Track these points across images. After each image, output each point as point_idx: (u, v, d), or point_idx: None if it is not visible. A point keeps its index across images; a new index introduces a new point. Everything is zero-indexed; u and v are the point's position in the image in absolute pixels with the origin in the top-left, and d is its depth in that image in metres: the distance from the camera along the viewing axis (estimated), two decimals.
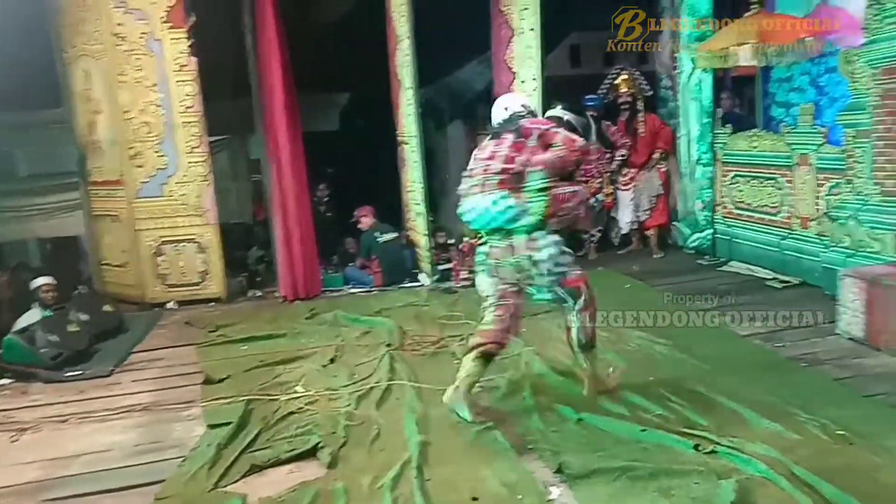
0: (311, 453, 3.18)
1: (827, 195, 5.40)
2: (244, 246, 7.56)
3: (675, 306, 5.24)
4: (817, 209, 5.52)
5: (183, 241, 6.21)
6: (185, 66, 5.94)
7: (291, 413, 3.66)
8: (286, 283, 6.22)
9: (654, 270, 6.45)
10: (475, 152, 3.53)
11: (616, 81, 7.06)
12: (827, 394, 3.49)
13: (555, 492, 2.74)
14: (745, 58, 5.68)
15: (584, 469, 2.83)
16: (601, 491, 2.70)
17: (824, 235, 5.39)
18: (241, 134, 8.18)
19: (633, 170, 7.12)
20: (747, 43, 5.55)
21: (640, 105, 6.97)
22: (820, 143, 5.45)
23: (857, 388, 3.56)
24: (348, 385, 3.99)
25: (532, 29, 6.23)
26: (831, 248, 5.27)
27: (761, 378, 3.72)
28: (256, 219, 8.15)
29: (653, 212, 7.16)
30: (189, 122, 6.04)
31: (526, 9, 6.27)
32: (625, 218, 7.21)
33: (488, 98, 7.18)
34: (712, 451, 2.89)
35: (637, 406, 3.44)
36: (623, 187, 7.16)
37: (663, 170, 7.14)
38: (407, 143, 6.59)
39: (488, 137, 3.52)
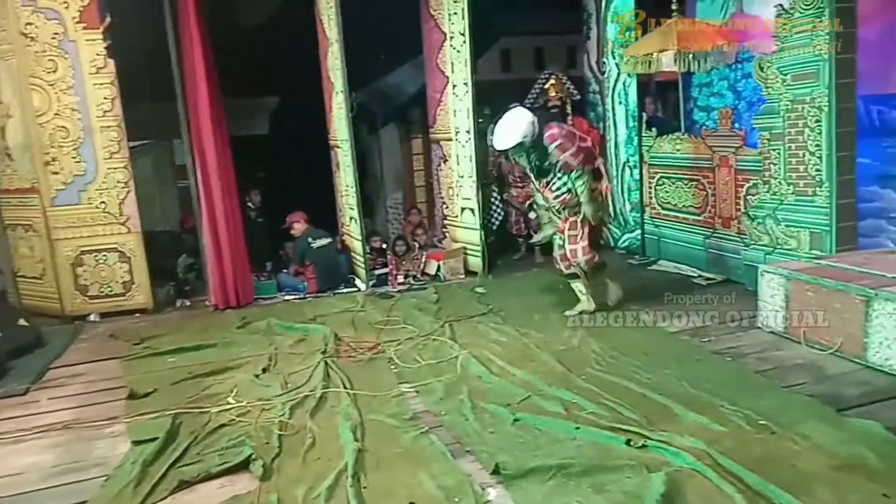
0: (243, 466, 3.08)
1: (746, 195, 5.64)
2: (172, 254, 7.27)
3: (608, 305, 5.36)
4: (737, 209, 5.76)
5: (104, 250, 5.94)
6: (103, 68, 5.69)
7: (222, 425, 3.54)
8: (217, 292, 6.04)
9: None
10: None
11: (546, 86, 7.18)
12: (750, 386, 3.64)
13: (491, 493, 2.75)
14: (667, 63, 5.88)
15: (520, 469, 2.85)
16: (537, 490, 2.73)
17: (744, 234, 5.64)
18: (165, 138, 7.89)
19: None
20: (668, 49, 5.75)
21: (569, 109, 7.11)
22: (738, 145, 5.69)
23: (778, 379, 3.73)
24: (282, 394, 3.89)
25: (462, 33, 6.27)
26: (752, 246, 5.52)
27: (689, 372, 3.84)
28: (184, 226, 7.85)
29: None
30: (108, 127, 5.78)
31: (455, 13, 6.31)
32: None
33: (421, 101, 7.23)
34: (643, 446, 2.97)
35: (572, 404, 3.50)
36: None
37: None
38: (339, 147, 6.52)
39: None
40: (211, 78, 5.80)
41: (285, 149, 7.59)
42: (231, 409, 3.73)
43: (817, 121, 4.77)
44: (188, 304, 6.35)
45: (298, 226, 6.63)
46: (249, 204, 7.25)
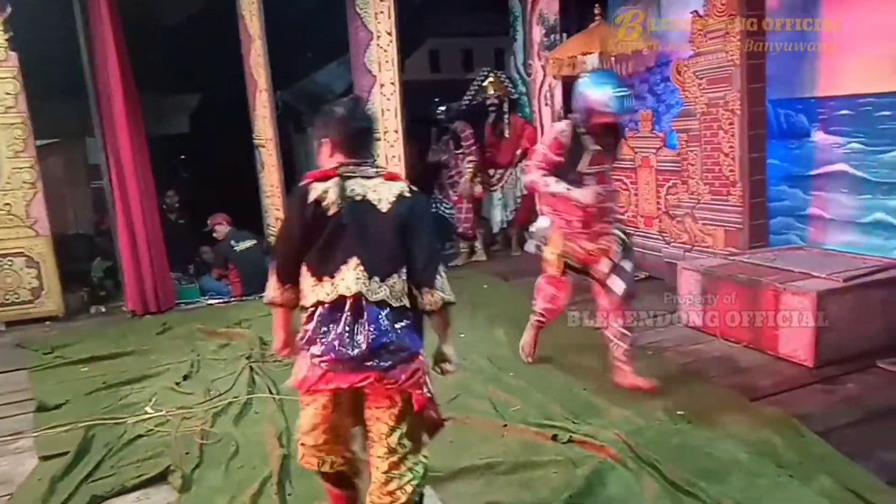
0: (161, 477, 2.96)
1: (666, 195, 5.84)
2: (86, 258, 6.93)
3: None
4: (658, 208, 5.96)
5: (9, 255, 5.58)
6: (4, 61, 5.35)
7: (139, 436, 3.39)
8: (134, 297, 5.78)
9: (516, 269, 6.67)
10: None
11: (484, 84, 7.23)
12: (670, 378, 3.75)
13: None
14: (591, 66, 6.02)
15: (448, 470, 2.85)
16: (466, 490, 2.74)
17: (665, 232, 5.84)
18: (77, 137, 7.50)
19: (500, 170, 7.32)
20: (591, 52, 5.89)
21: (506, 107, 7.18)
22: (658, 146, 5.89)
23: (696, 371, 3.88)
24: (204, 402, 3.75)
25: (389, 32, 6.23)
26: (672, 244, 5.72)
27: (613, 368, 3.93)
28: (99, 228, 7.49)
29: (517, 211, 7.41)
30: (11, 124, 5.43)
31: (382, 12, 6.26)
32: (495, 218, 7.41)
33: None
34: (569, 441, 3.02)
35: (501, 402, 3.53)
36: (492, 188, 7.35)
37: None
38: (264, 147, 6.36)
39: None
40: (126, 73, 5.54)
41: (207, 148, 7.35)
42: (149, 419, 3.57)
43: (730, 123, 4.99)
44: (103, 310, 6.06)
45: (221, 228, 6.42)
46: (170, 204, 6.98)
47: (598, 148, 3.47)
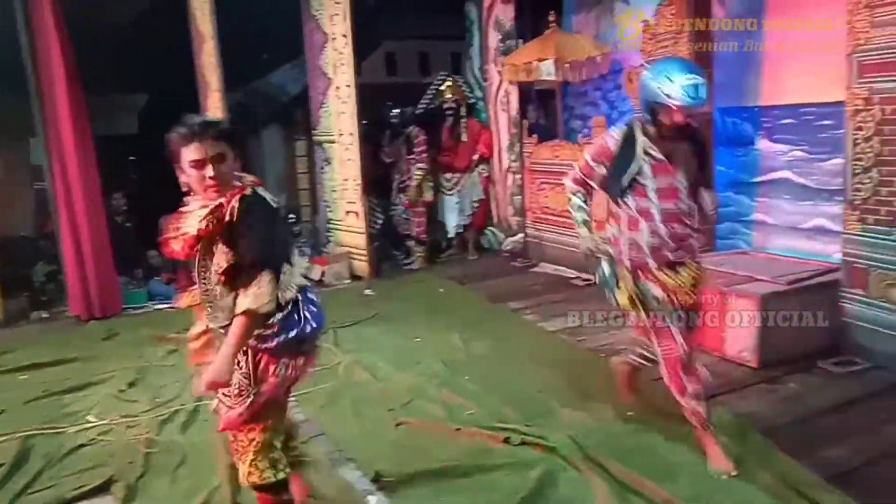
0: (103, 488, 2.87)
1: None
2: (27, 262, 6.67)
3: (490, 307, 5.48)
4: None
5: None
6: None
7: (81, 446, 3.28)
8: (78, 302, 5.59)
9: (472, 273, 6.70)
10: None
11: (441, 88, 7.24)
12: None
13: (372, 501, 2.72)
14: (546, 72, 6.10)
15: (401, 475, 2.84)
16: (418, 495, 2.73)
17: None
18: (19, 137, 7.21)
19: (456, 174, 7.33)
20: (546, 58, 5.97)
21: (463, 111, 7.20)
22: None
23: (646, 373, 3.91)
24: (150, 410, 3.66)
25: (345, 35, 6.19)
26: None
27: (566, 370, 3.98)
28: (42, 231, 7.22)
29: (474, 216, 7.44)
30: None
31: (337, 14, 6.22)
32: (451, 222, 7.42)
33: (304, 102, 7.07)
34: (521, 443, 3.04)
35: (454, 406, 3.53)
36: (448, 192, 7.36)
37: (485, 174, 7.44)
38: None
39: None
40: (70, 71, 5.36)
41: (157, 150, 7.15)
42: (91, 427, 3.46)
43: None
44: (46, 315, 5.84)
45: None
46: (116, 207, 6.78)
47: (661, 157, 2.70)
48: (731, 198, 5.31)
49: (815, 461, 2.76)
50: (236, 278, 2.10)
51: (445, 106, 7.14)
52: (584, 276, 6.19)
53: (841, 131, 4.06)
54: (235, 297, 2.10)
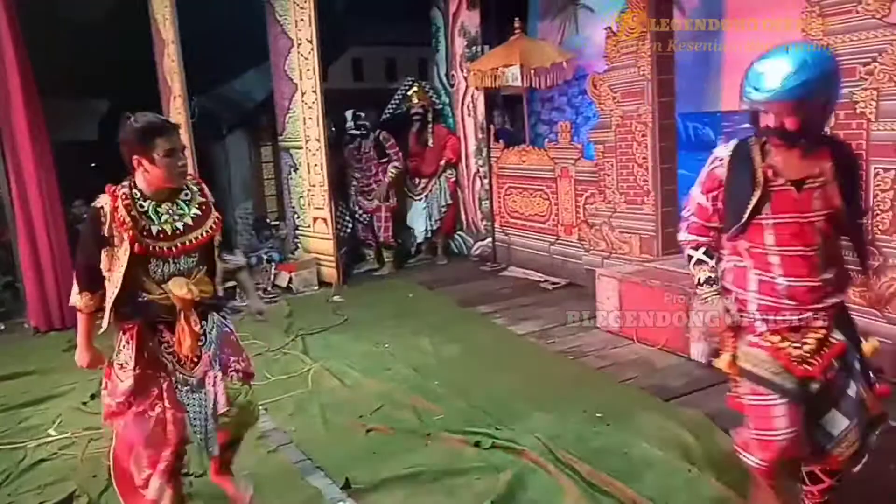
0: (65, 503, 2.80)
1: (584, 204, 6.02)
2: None
3: (460, 311, 5.49)
4: (577, 217, 6.13)
5: None
6: None
7: (42, 461, 3.20)
8: (37, 312, 5.44)
9: (442, 278, 6.71)
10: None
11: (408, 93, 7.24)
12: (589, 382, 3.87)
13: None
14: (512, 78, 6.15)
15: (371, 481, 2.84)
16: (388, 501, 2.73)
17: (584, 240, 6.01)
18: None
19: (424, 179, 7.34)
20: (512, 64, 6.02)
21: (430, 117, 7.21)
22: (577, 157, 6.07)
23: (614, 374, 4.00)
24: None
25: (310, 40, 6.15)
26: (590, 251, 5.90)
27: (535, 373, 4.02)
28: None
29: (442, 220, 7.45)
30: None
31: (303, 20, 6.18)
32: (419, 227, 7.42)
33: (270, 108, 7.01)
34: (492, 447, 3.05)
35: (425, 411, 3.53)
36: (416, 197, 7.36)
37: (452, 179, 7.46)
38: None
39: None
40: (26, 75, 5.23)
41: (118, 156, 7.02)
42: (52, 441, 3.37)
43: (643, 135, 5.20)
44: (2, 327, 5.68)
45: None
46: (77, 215, 6.62)
47: (781, 182, 1.98)
48: None
49: None
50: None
51: (412, 111, 7.15)
52: (553, 279, 6.26)
53: None
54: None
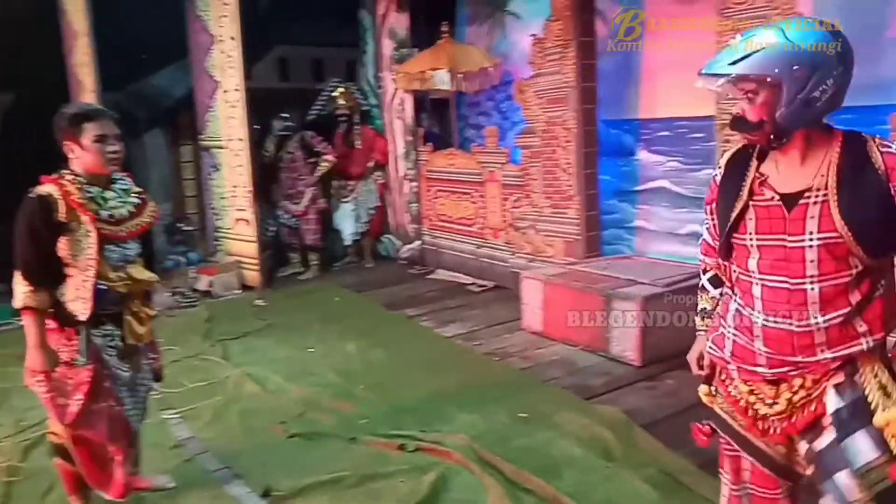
0: None
1: (511, 208, 6.10)
2: None
3: (387, 314, 5.46)
4: (504, 220, 6.21)
5: None
6: None
7: None
8: None
9: (369, 281, 6.65)
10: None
11: (334, 94, 7.14)
12: (514, 383, 3.92)
13: None
14: (439, 81, 6.18)
15: (292, 488, 2.76)
16: None
17: (510, 243, 6.09)
18: None
19: (351, 182, 7.25)
20: (440, 68, 6.05)
21: (356, 118, 7.14)
22: (503, 161, 6.15)
23: (537, 374, 4.06)
24: (13, 435, 3.36)
25: (233, 37, 5.99)
26: (516, 254, 5.98)
27: (462, 375, 4.03)
28: None
29: (370, 223, 7.38)
30: None
31: (225, 16, 6.01)
32: (347, 230, 7.32)
33: (190, 106, 6.77)
34: (417, 449, 3.04)
35: (349, 415, 3.48)
36: (343, 199, 7.27)
37: (381, 182, 7.40)
38: None
39: None
40: None
41: (23, 153, 6.62)
42: None
43: (567, 141, 5.32)
44: None
45: None
46: None
47: (767, 194, 1.59)
48: (616, 205, 5.59)
49: (690, 450, 2.91)
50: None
51: (338, 113, 7.07)
52: (480, 282, 6.31)
53: (711, 143, 4.37)
54: None
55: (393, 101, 7.26)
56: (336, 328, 5.06)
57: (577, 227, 5.36)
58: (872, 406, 1.52)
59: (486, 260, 6.46)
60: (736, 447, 1.75)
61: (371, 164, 7.25)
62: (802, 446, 1.63)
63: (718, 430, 1.78)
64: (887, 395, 1.53)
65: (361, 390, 3.83)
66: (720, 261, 1.76)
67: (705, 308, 1.87)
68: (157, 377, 2.66)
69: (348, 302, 5.92)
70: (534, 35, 5.46)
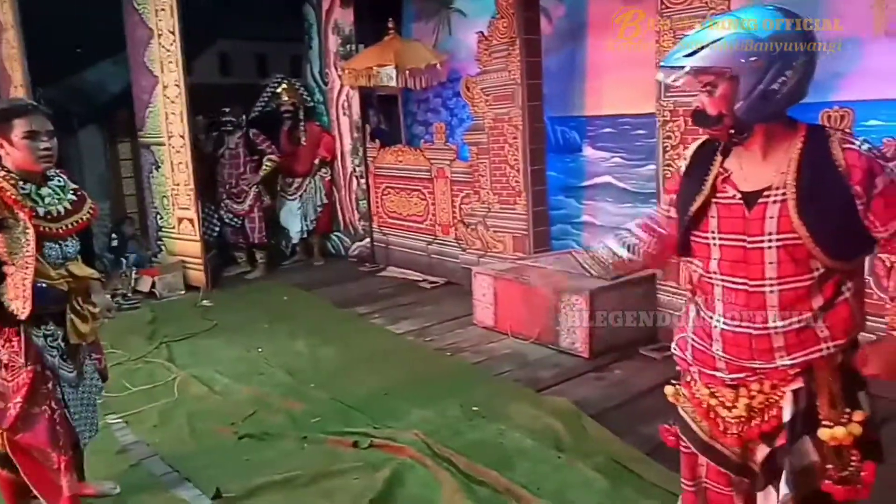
0: None
1: (460, 204, 6.13)
2: None
3: (337, 312, 5.41)
4: (454, 216, 6.23)
5: None
6: None
7: None
8: None
9: (318, 279, 6.58)
10: None
11: (278, 90, 7.02)
12: (466, 377, 3.94)
13: None
14: (386, 78, 6.15)
15: (243, 490, 2.72)
16: None
17: (461, 239, 6.12)
18: None
19: (298, 179, 7.15)
20: (386, 64, 6.03)
21: (301, 114, 7.04)
22: (452, 158, 6.17)
23: (489, 369, 4.10)
24: None
25: (172, 31, 5.82)
26: (467, 250, 6.02)
27: (414, 371, 4.04)
28: None
29: (318, 220, 7.29)
30: None
31: (164, 9, 5.82)
32: (294, 227, 7.21)
33: (127, 101, 6.55)
34: (370, 446, 3.03)
35: (301, 414, 3.45)
36: (289, 197, 7.15)
37: (328, 178, 7.32)
38: None
39: None
40: None
41: None
42: None
43: (515, 138, 5.37)
44: None
45: None
46: None
47: (728, 190, 1.55)
48: (563, 201, 5.68)
49: (638, 438, 3.02)
50: None
51: (283, 109, 6.96)
52: (431, 278, 6.33)
53: (653, 140, 4.49)
54: None
55: (339, 98, 7.19)
56: (285, 327, 4.99)
57: (526, 223, 5.43)
58: (820, 416, 1.50)
59: (436, 256, 6.48)
60: (693, 448, 1.72)
61: (318, 160, 7.17)
62: (762, 450, 1.60)
63: (679, 433, 1.75)
64: (833, 405, 1.49)
65: (312, 389, 3.80)
66: (680, 257, 1.73)
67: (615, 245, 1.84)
68: (103, 377, 2.63)
69: (297, 300, 5.84)
70: (480, 32, 5.50)
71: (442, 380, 3.87)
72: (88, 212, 2.45)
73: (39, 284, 2.21)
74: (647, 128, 4.77)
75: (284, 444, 3.13)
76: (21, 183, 2.24)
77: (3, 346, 2.24)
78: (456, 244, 6.22)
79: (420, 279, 6.38)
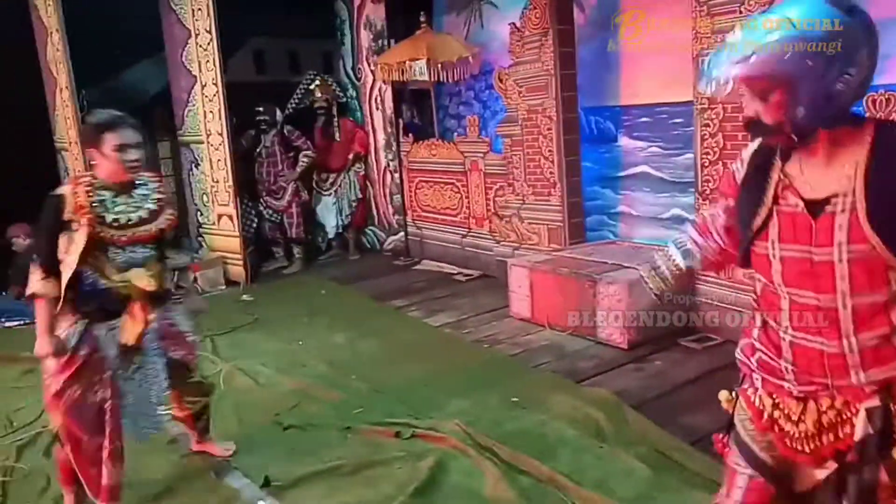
0: None
1: (494, 196, 6.14)
2: None
3: (375, 306, 5.48)
4: (488, 209, 6.24)
5: None
6: None
7: None
8: None
9: (354, 273, 6.66)
10: None
11: (311, 87, 7.10)
12: (504, 368, 3.96)
13: None
14: (419, 72, 6.18)
15: (290, 478, 2.80)
16: (308, 496, 2.70)
17: (495, 232, 6.13)
18: None
19: (332, 174, 7.23)
20: (419, 58, 6.05)
21: (334, 110, 7.11)
22: (485, 151, 6.17)
23: (527, 360, 4.11)
24: (5, 435, 3.34)
25: (209, 30, 5.92)
26: (501, 243, 6.02)
27: (452, 362, 4.07)
28: None
29: (353, 215, 7.38)
30: None
31: (200, 9, 5.93)
32: (330, 222, 7.31)
33: (166, 101, 6.69)
34: (412, 436, 3.07)
35: (343, 405, 3.50)
36: (325, 192, 7.25)
37: (362, 173, 7.39)
38: (67, 150, 5.76)
39: None
40: None
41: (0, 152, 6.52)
42: None
43: (549, 129, 5.35)
44: None
45: (20, 241, 5.72)
46: None
47: (791, 200, 1.39)
48: (598, 192, 5.65)
49: (680, 428, 3.01)
50: None
51: (316, 105, 7.03)
52: (466, 271, 6.35)
53: (690, 128, 4.43)
54: None
55: (372, 93, 7.24)
56: (324, 321, 5.07)
57: (561, 214, 5.41)
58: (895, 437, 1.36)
59: (471, 249, 6.50)
60: (737, 460, 1.57)
61: (352, 156, 7.24)
62: (823, 469, 1.46)
63: (731, 442, 1.61)
64: None
65: (353, 380, 3.86)
66: (742, 270, 1.56)
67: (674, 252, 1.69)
68: (188, 369, 2.81)
69: (335, 294, 5.92)
70: (512, 24, 5.48)
71: (480, 371, 3.90)
72: (166, 221, 2.57)
73: (101, 285, 2.41)
74: (685, 116, 4.71)
75: (328, 435, 3.19)
76: (99, 190, 2.40)
77: (68, 332, 2.41)
78: (490, 237, 6.23)
79: (455, 272, 6.41)
